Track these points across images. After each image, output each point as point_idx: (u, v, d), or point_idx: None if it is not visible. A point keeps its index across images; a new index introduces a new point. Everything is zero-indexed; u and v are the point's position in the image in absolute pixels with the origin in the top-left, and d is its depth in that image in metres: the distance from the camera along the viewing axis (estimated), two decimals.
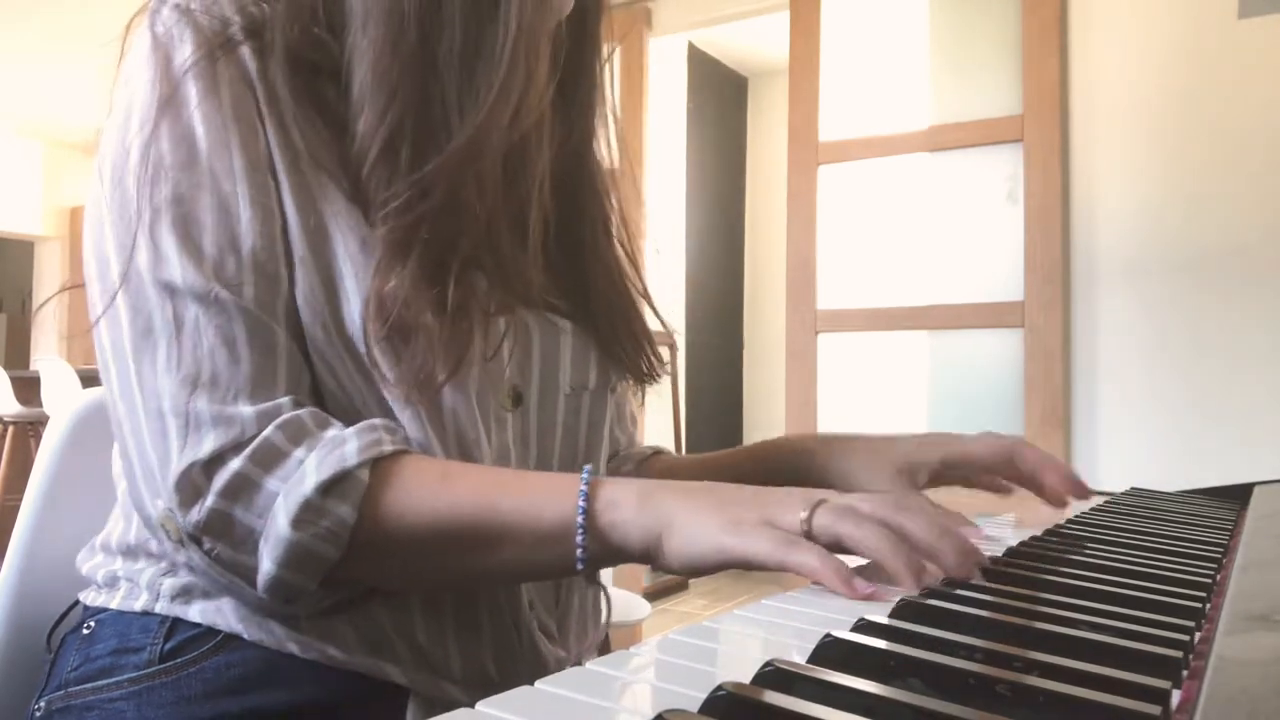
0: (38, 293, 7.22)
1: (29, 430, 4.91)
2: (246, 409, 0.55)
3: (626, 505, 0.53)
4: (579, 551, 0.53)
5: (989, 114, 2.45)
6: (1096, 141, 2.32)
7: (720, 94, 4.97)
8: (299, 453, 0.54)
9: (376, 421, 0.57)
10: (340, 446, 0.54)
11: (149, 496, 0.56)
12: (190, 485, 0.54)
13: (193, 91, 0.58)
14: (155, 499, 0.56)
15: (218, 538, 0.54)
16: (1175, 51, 2.24)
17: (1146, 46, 2.28)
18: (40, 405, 4.76)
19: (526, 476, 0.59)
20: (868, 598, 0.45)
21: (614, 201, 0.78)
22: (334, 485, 0.53)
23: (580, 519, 0.53)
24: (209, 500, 0.53)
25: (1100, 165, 2.32)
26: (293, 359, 0.58)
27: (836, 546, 0.49)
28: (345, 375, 0.60)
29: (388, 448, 0.56)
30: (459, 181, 0.59)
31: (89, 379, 4.69)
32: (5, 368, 5.17)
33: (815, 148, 2.70)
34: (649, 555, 0.53)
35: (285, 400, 0.56)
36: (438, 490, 0.55)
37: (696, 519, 0.51)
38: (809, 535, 0.49)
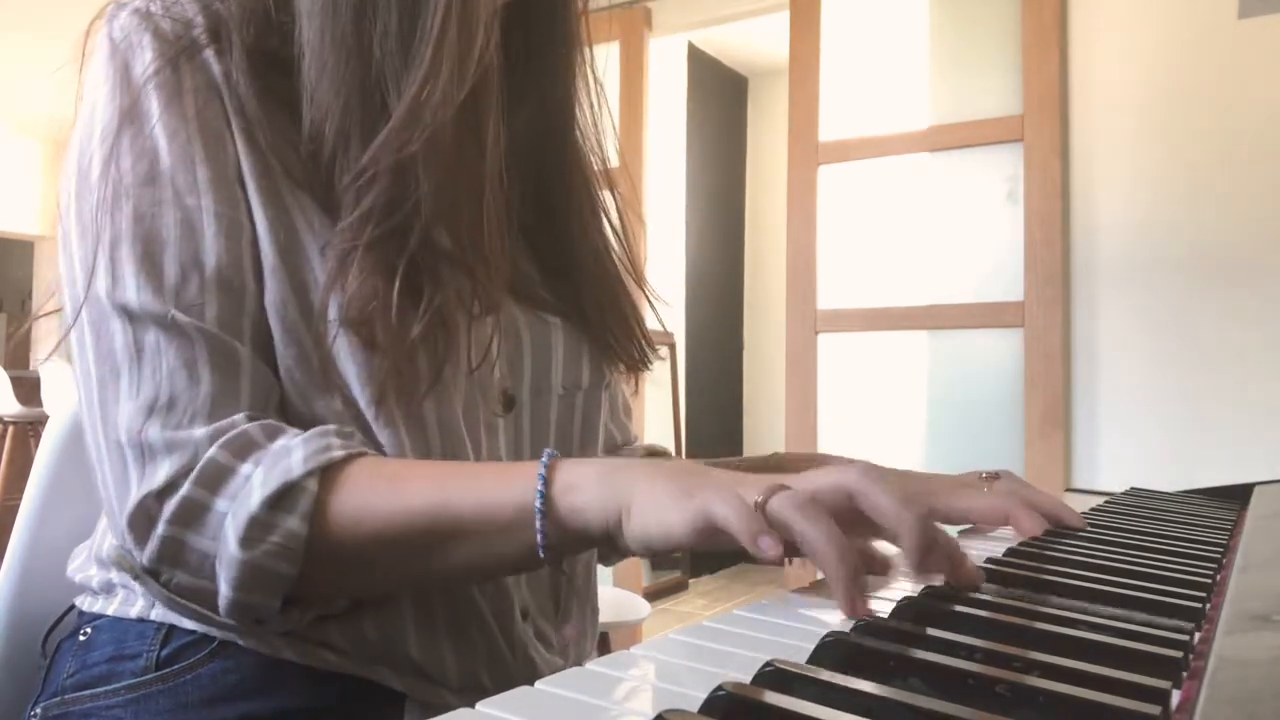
0: (38, 293, 7.21)
1: (29, 430, 4.91)
2: (200, 431, 0.53)
3: (586, 487, 0.50)
4: (539, 538, 0.50)
5: (989, 114, 2.45)
6: (1096, 141, 2.32)
7: (720, 94, 4.96)
8: (245, 468, 0.52)
9: (329, 428, 0.55)
10: (286, 458, 0.52)
11: (112, 532, 0.55)
12: (144, 517, 0.52)
13: (154, 103, 0.56)
14: (112, 534, 0.55)
15: (173, 566, 0.53)
16: (1175, 51, 2.24)
17: (1146, 46, 2.27)
18: (40, 405, 4.76)
19: (481, 468, 0.56)
20: (777, 560, 0.42)
21: (601, 180, 0.76)
22: (280, 499, 0.51)
23: (539, 504, 0.50)
24: (160, 529, 0.52)
25: (1100, 165, 2.32)
26: (258, 376, 0.56)
27: (787, 536, 0.45)
28: (319, 398, 0.57)
29: (337, 453, 0.53)
30: (402, 163, 0.55)
31: None
32: (5, 368, 5.16)
33: (815, 148, 2.70)
34: (610, 538, 0.50)
35: (239, 416, 0.54)
36: (388, 492, 0.53)
37: (657, 496, 0.47)
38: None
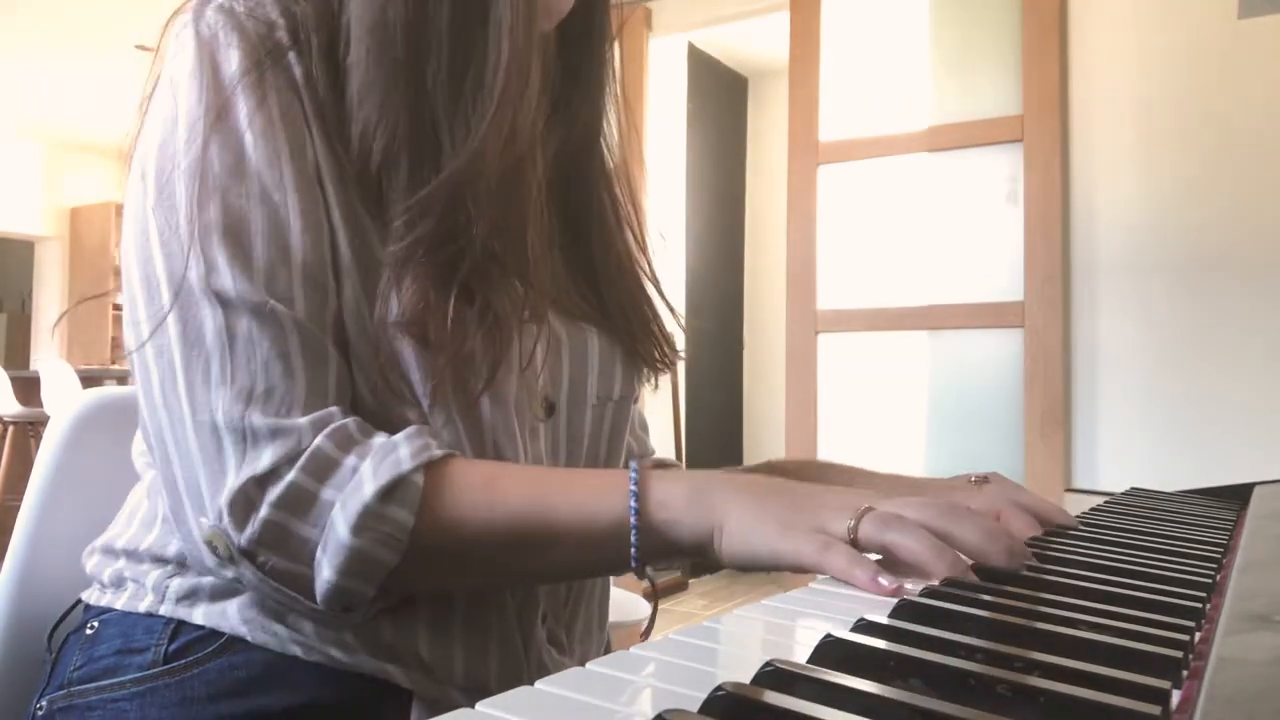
0: (38, 293, 7.22)
1: (29, 430, 4.91)
2: (301, 420, 0.55)
3: (678, 504, 0.54)
4: (633, 551, 0.54)
5: (989, 114, 2.45)
6: (1096, 141, 2.32)
7: (720, 94, 4.96)
8: (351, 460, 0.54)
9: (424, 427, 0.58)
10: (393, 452, 0.55)
11: (193, 514, 0.55)
12: (244, 501, 0.53)
13: (243, 106, 0.57)
14: (200, 516, 0.55)
15: (273, 550, 0.54)
16: (1175, 51, 2.24)
17: (1146, 46, 2.27)
18: (40, 405, 4.77)
19: (575, 475, 0.60)
20: (895, 594, 0.44)
21: (623, 186, 0.78)
22: (392, 491, 0.53)
23: (634, 519, 0.53)
24: (263, 513, 0.53)
25: (1100, 165, 2.32)
26: (341, 372, 0.58)
27: (884, 554, 0.49)
28: (385, 391, 0.59)
29: (437, 451, 0.56)
30: (456, 204, 0.58)
31: (89, 379, 4.69)
32: (5, 368, 5.17)
33: (815, 148, 2.70)
34: (701, 551, 0.53)
35: (335, 409, 0.56)
36: (489, 492, 0.56)
37: (750, 521, 0.52)
38: (855, 544, 0.49)
